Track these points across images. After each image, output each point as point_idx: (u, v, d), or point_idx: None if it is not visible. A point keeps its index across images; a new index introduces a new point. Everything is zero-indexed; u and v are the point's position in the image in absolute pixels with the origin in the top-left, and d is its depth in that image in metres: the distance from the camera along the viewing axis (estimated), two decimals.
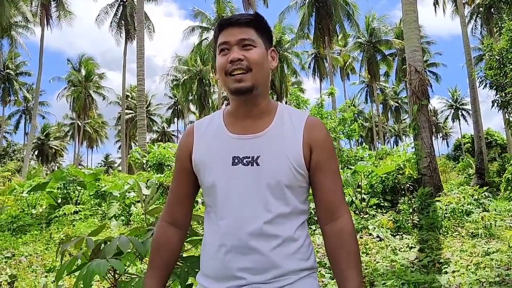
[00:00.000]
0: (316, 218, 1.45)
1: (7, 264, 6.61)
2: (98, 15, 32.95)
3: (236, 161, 1.33)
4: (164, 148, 16.03)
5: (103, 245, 2.26)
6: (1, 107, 43.81)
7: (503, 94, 9.78)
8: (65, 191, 11.05)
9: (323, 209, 1.39)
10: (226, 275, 1.31)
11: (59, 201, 10.94)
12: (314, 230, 7.79)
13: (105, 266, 1.89)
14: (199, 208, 9.92)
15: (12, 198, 11.66)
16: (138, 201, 10.15)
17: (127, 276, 2.50)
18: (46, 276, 5.77)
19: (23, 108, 49.59)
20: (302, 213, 1.38)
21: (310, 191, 1.44)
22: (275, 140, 1.35)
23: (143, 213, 8.41)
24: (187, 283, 2.10)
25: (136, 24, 26.38)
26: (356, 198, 9.56)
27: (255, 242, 1.28)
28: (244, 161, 1.33)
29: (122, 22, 33.26)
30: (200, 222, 1.70)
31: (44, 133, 55.35)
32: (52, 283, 5.43)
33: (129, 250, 2.28)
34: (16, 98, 43.85)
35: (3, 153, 38.70)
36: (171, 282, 2.51)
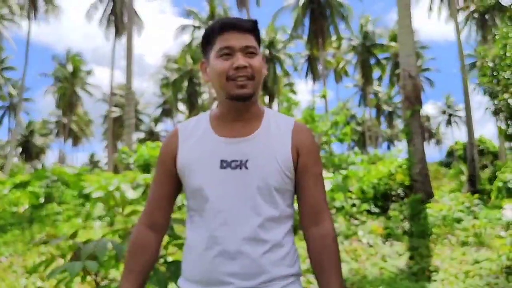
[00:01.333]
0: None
1: None
2: (88, 10, 32.64)
3: (224, 164, 1.33)
4: (152, 148, 15.85)
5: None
6: None
7: (496, 102, 9.74)
8: (48, 190, 10.86)
9: (307, 212, 1.41)
10: (212, 280, 1.30)
11: (42, 200, 10.75)
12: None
13: (78, 267, 1.89)
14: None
15: None
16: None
17: (109, 280, 2.53)
18: (26, 278, 5.64)
19: (8, 104, 48.92)
20: (289, 218, 1.40)
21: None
22: (264, 143, 1.36)
23: (126, 215, 8.28)
24: None
25: (125, 21, 26.18)
26: (347, 203, 9.47)
27: (246, 247, 1.29)
28: (232, 164, 1.33)
29: (112, 17, 32.96)
30: (183, 225, 1.65)
31: (29, 130, 54.74)
32: (32, 284, 5.30)
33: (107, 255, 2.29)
34: (1, 93, 43.20)
35: None
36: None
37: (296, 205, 1.45)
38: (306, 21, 32.27)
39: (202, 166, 1.35)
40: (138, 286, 1.41)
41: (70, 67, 44.11)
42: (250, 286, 1.28)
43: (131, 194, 8.62)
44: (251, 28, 1.38)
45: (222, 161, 1.33)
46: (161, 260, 2.29)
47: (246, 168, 1.33)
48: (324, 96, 19.72)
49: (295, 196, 1.45)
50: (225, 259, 1.28)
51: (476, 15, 27.42)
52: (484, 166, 26.55)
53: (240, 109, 1.38)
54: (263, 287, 1.29)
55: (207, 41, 1.40)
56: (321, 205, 1.41)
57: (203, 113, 1.52)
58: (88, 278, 2.40)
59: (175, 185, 1.44)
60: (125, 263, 1.45)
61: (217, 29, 1.36)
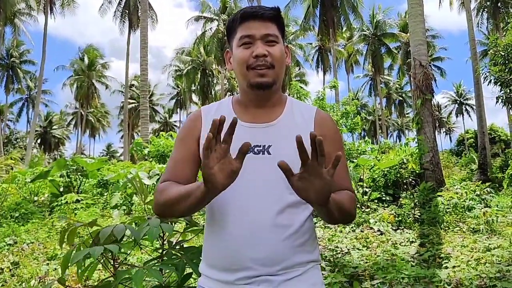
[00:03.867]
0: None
1: (9, 251, 6.66)
2: (102, 5, 32.89)
3: None
4: (166, 138, 16.01)
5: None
6: (4, 95, 43.91)
7: (508, 91, 9.71)
8: (67, 180, 11.08)
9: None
10: (234, 265, 1.28)
11: (61, 189, 10.98)
12: (316, 223, 7.81)
13: (99, 250, 1.89)
14: None
15: (14, 186, 11.70)
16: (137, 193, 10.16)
17: (127, 266, 2.51)
18: (47, 264, 5.81)
19: (26, 96, 49.67)
20: (309, 205, 1.32)
21: None
22: (287, 129, 1.35)
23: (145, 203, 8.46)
24: (184, 273, 2.10)
25: (139, 13, 26.30)
26: (358, 192, 9.55)
27: (267, 233, 1.27)
28: (255, 149, 1.32)
29: (126, 11, 33.17)
30: (201, 212, 1.67)
31: (47, 121, 55.49)
32: (53, 270, 5.48)
33: (126, 239, 2.30)
34: (20, 86, 43.89)
35: (5, 141, 38.83)
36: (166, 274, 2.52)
37: None
38: (317, 12, 32.08)
39: None
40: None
41: (86, 60, 44.43)
42: (272, 272, 1.27)
43: (148, 182, 8.78)
44: (273, 16, 1.36)
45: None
46: (177, 247, 2.29)
47: (269, 153, 1.31)
48: (334, 87, 19.67)
49: None
50: (248, 245, 1.27)
51: (488, 3, 27.01)
52: (496, 155, 26.32)
53: (261, 97, 1.37)
54: (283, 273, 1.28)
55: (230, 30, 1.40)
56: (347, 185, 1.39)
57: (224, 98, 1.51)
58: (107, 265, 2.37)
59: (195, 167, 1.39)
60: (168, 197, 1.28)
61: (239, 18, 1.36)
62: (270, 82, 1.33)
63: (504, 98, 9.94)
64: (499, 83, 10.06)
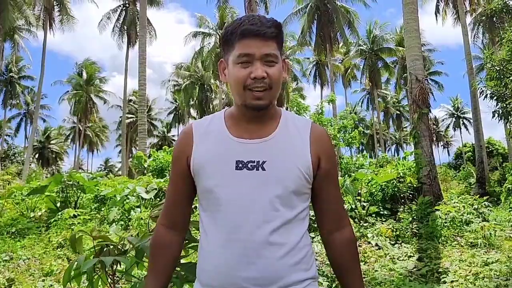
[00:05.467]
0: (315, 226, 1.43)
1: (5, 267, 6.60)
2: (101, 20, 33.17)
3: (240, 165, 1.29)
4: (168, 153, 16.01)
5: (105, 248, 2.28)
6: (2, 110, 43.95)
7: (504, 105, 9.77)
8: (64, 195, 11.03)
9: (330, 218, 1.41)
10: (230, 285, 1.26)
11: (58, 204, 10.92)
12: (313, 238, 7.77)
13: (109, 260, 1.94)
14: (198, 214, 9.88)
15: (11, 201, 11.64)
16: (138, 206, 10.14)
17: (125, 281, 2.49)
18: (43, 280, 5.76)
19: (24, 111, 49.73)
20: (306, 220, 1.36)
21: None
22: (282, 145, 1.33)
23: (141, 218, 8.42)
24: None
25: (138, 29, 26.50)
26: (355, 206, 9.54)
27: (263, 251, 1.25)
28: (249, 165, 1.29)
29: (124, 27, 33.43)
30: (197, 228, 1.68)
31: (45, 136, 55.44)
32: (49, 287, 5.43)
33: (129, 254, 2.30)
34: (18, 101, 43.99)
35: (3, 156, 38.74)
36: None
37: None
38: (314, 28, 32.38)
39: (217, 167, 1.31)
40: (161, 286, 1.40)
41: (84, 75, 44.59)
42: None
43: (146, 196, 8.75)
44: (274, 34, 1.30)
45: (238, 161, 1.29)
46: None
47: (263, 169, 1.28)
48: (332, 101, 19.78)
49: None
50: (242, 263, 1.25)
51: (484, 17, 27.32)
52: (494, 168, 26.35)
53: (256, 115, 1.34)
54: None
55: (227, 42, 1.34)
56: (342, 210, 1.44)
57: (217, 112, 1.48)
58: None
59: (191, 184, 1.40)
60: (148, 264, 1.44)
61: (238, 34, 1.29)
62: (266, 105, 1.31)
63: (501, 112, 9.99)
64: (495, 98, 10.12)
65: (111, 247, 2.29)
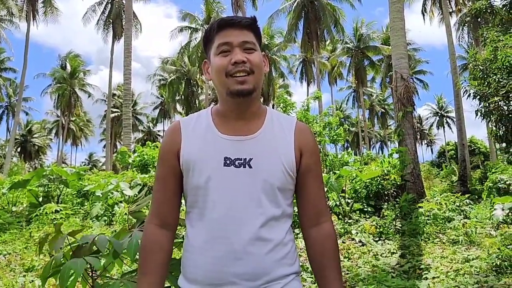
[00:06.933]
0: (299, 222, 1.43)
1: None
2: (86, 13, 32.64)
3: (228, 162, 1.31)
4: (153, 148, 15.89)
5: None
6: None
7: (487, 104, 9.89)
8: (46, 190, 10.87)
9: (310, 213, 1.41)
10: (216, 280, 1.27)
11: (41, 199, 10.76)
12: (298, 234, 7.80)
13: (82, 264, 1.84)
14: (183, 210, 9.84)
15: None
16: (121, 201, 10.04)
17: (106, 278, 2.46)
18: (24, 276, 5.68)
19: (6, 104, 48.85)
20: (290, 217, 1.38)
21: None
22: (268, 142, 1.35)
23: (125, 214, 8.33)
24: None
25: (124, 23, 26.20)
26: (340, 203, 9.60)
27: (250, 247, 1.27)
28: (236, 162, 1.31)
29: (110, 20, 33.00)
30: (182, 224, 1.65)
31: (27, 129, 54.55)
32: (30, 282, 5.35)
33: (107, 252, 2.26)
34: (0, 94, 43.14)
35: None
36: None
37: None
38: (300, 25, 32.40)
39: (205, 163, 1.31)
40: (158, 287, 1.34)
41: (68, 68, 43.89)
42: (253, 287, 1.26)
43: (129, 193, 8.66)
44: (249, 24, 1.36)
45: (225, 158, 1.31)
46: None
47: (250, 166, 1.30)
48: (318, 98, 19.83)
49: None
50: (229, 259, 1.26)
51: (468, 18, 27.68)
52: (476, 167, 26.78)
53: (241, 106, 1.35)
54: (266, 287, 1.28)
55: (207, 40, 1.40)
56: (323, 205, 1.43)
57: (203, 109, 1.49)
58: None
59: (180, 181, 1.39)
60: (139, 265, 1.38)
61: (215, 27, 1.35)
62: (250, 89, 1.31)
63: (483, 111, 10.10)
64: (478, 97, 10.22)
65: (89, 244, 2.24)
